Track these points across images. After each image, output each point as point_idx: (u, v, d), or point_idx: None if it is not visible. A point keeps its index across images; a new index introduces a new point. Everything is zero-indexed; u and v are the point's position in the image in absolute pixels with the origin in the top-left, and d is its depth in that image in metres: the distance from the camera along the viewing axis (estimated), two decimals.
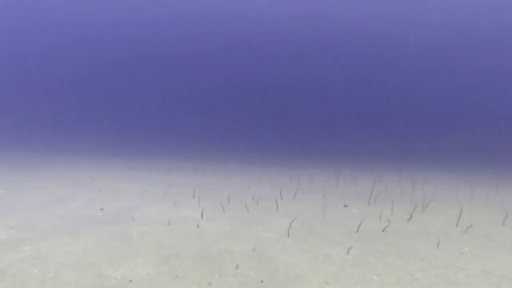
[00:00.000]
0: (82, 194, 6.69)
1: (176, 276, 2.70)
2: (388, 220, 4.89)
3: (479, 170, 13.58)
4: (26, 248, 3.27)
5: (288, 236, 4.06)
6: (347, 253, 3.42)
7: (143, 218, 4.84)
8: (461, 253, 3.52)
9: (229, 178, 10.40)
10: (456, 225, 4.85)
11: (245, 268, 2.92)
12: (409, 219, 5.18)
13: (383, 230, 4.46)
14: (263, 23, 36.55)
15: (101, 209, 5.38)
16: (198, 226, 4.40)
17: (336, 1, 34.23)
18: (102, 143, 21.62)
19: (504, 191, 8.69)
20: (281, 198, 6.91)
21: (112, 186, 7.83)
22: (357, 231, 4.38)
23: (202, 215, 5.04)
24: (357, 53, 35.40)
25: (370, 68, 34.59)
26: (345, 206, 6.33)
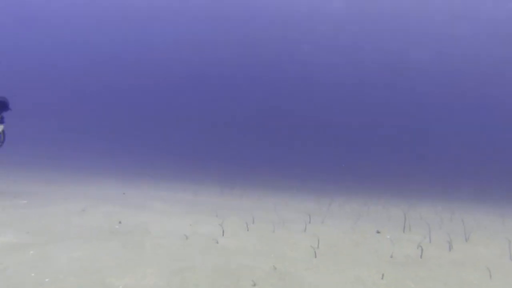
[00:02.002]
0: (104, 208, 6.54)
1: None
2: (420, 246, 4.41)
3: None
4: (31, 252, 3.07)
5: (315, 256, 3.68)
6: (382, 278, 3.01)
7: (161, 231, 4.59)
8: None
9: (256, 202, 10.08)
10: (511, 258, 4.30)
11: (263, 285, 2.58)
12: (451, 248, 4.67)
13: (421, 257, 3.99)
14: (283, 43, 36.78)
15: (120, 222, 5.18)
16: (217, 242, 4.09)
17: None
18: (132, 164, 21.87)
19: None
20: (310, 222, 6.50)
21: (136, 203, 7.67)
22: (391, 256, 3.94)
23: (223, 232, 4.74)
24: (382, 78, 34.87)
25: (404, 91, 33.88)
26: (378, 232, 5.85)
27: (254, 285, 2.57)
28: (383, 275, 3.03)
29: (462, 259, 4.03)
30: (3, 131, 7.45)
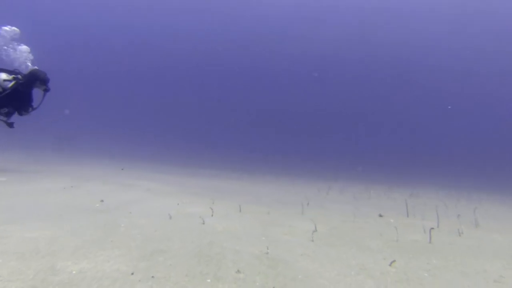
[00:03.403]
0: (89, 186, 6.11)
1: (152, 276, 1.97)
2: (428, 231, 3.98)
3: None
4: None
5: (313, 240, 3.26)
6: (390, 265, 2.58)
7: (143, 211, 4.16)
8: None
9: (253, 185, 9.67)
10: None
11: (250, 273, 2.15)
12: (461, 234, 4.24)
13: (430, 241, 3.57)
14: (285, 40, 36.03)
15: (102, 200, 4.75)
16: (203, 223, 3.66)
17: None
18: (133, 148, 21.48)
19: None
20: (308, 204, 6.09)
21: (126, 182, 7.25)
22: (397, 240, 3.52)
23: (212, 212, 4.31)
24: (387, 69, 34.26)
25: (406, 81, 33.30)
26: (380, 216, 5.44)
27: (238, 272, 2.14)
28: (391, 261, 2.60)
29: (477, 246, 3.60)
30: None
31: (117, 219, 3.51)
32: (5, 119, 7.14)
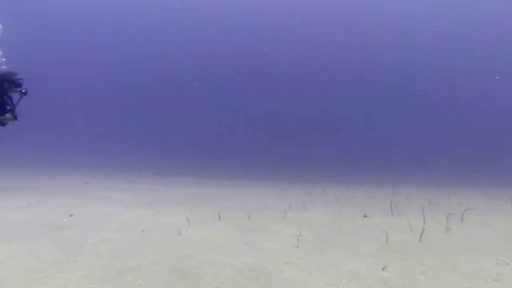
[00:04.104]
0: (58, 200, 5.73)
1: None
2: (415, 229, 3.83)
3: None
4: None
5: (298, 246, 3.04)
6: (383, 269, 2.39)
7: (115, 224, 3.85)
8: None
9: (233, 191, 9.41)
10: None
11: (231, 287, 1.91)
12: (448, 230, 4.12)
13: (420, 240, 3.41)
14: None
15: (70, 215, 4.41)
16: (180, 234, 3.40)
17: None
18: (105, 159, 20.84)
19: None
20: (290, 208, 5.88)
21: (97, 194, 6.87)
22: (386, 242, 3.35)
23: (189, 222, 4.05)
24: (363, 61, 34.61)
25: (380, 76, 33.70)
26: (365, 216, 5.29)
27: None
28: (384, 266, 2.41)
29: (467, 242, 3.47)
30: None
31: (85, 234, 3.20)
32: None
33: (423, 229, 3.85)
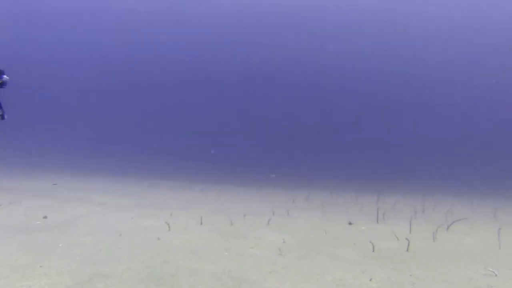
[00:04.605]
0: (32, 201, 5.49)
1: None
2: (403, 238, 3.76)
3: (499, 192, 12.43)
4: None
5: (282, 254, 2.92)
6: (370, 280, 2.29)
7: (91, 227, 3.67)
8: None
9: (216, 195, 9.26)
10: (500, 247, 3.74)
11: None
12: (435, 238, 4.06)
13: (407, 250, 3.33)
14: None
15: (45, 217, 4.21)
16: (159, 239, 3.24)
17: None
18: (90, 159, 20.39)
19: None
20: (273, 214, 5.76)
21: (76, 196, 6.63)
22: (373, 250, 3.25)
23: (169, 226, 3.89)
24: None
25: (366, 82, 33.96)
26: (350, 223, 5.20)
27: None
28: (371, 278, 2.30)
29: (453, 250, 3.40)
30: None
31: (57, 238, 3.02)
32: None
33: (410, 237, 3.78)
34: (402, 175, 17.00)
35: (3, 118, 6.76)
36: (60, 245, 2.73)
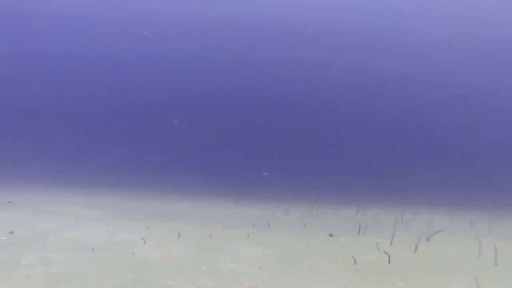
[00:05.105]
0: None
1: None
2: (386, 253, 3.71)
3: (476, 203, 12.63)
4: None
5: (261, 268, 2.81)
6: None
7: (61, 242, 3.48)
8: None
9: (195, 207, 9.08)
10: (479, 257, 3.73)
11: None
12: (416, 250, 4.02)
13: (389, 262, 3.27)
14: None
15: (11, 232, 3.98)
16: (133, 253, 3.09)
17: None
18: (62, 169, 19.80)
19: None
20: (254, 226, 5.65)
21: (47, 209, 6.36)
22: (355, 263, 3.18)
23: (145, 240, 3.73)
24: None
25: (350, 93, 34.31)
26: (331, 235, 5.13)
27: None
28: None
29: (435, 262, 3.36)
30: None
31: (21, 255, 2.84)
32: None
33: (391, 249, 3.73)
34: (382, 187, 17.15)
35: None
36: (24, 262, 2.56)
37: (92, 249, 3.18)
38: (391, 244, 4.36)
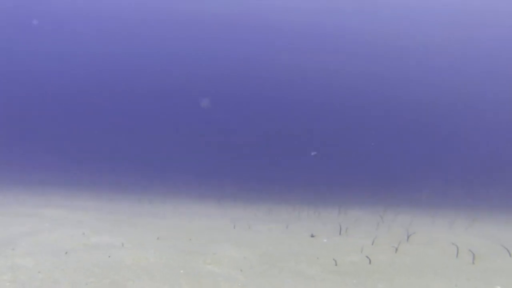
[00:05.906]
0: None
1: None
2: (367, 257, 3.71)
3: (457, 203, 12.84)
4: None
5: (242, 271, 2.75)
6: None
7: (34, 246, 3.35)
8: None
9: (176, 209, 8.95)
10: (456, 256, 3.76)
11: None
12: (397, 250, 4.03)
13: (370, 262, 3.26)
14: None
15: None
16: (109, 256, 2.99)
17: None
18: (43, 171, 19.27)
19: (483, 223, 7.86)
20: (234, 227, 5.59)
21: (21, 211, 6.14)
22: (336, 264, 3.15)
23: (123, 243, 3.63)
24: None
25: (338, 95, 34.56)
26: (312, 236, 5.11)
27: None
28: None
29: (416, 263, 3.37)
30: None
31: None
32: None
33: (372, 249, 3.73)
34: (363, 187, 17.28)
35: None
36: None
37: (66, 253, 3.07)
38: (372, 244, 4.37)
